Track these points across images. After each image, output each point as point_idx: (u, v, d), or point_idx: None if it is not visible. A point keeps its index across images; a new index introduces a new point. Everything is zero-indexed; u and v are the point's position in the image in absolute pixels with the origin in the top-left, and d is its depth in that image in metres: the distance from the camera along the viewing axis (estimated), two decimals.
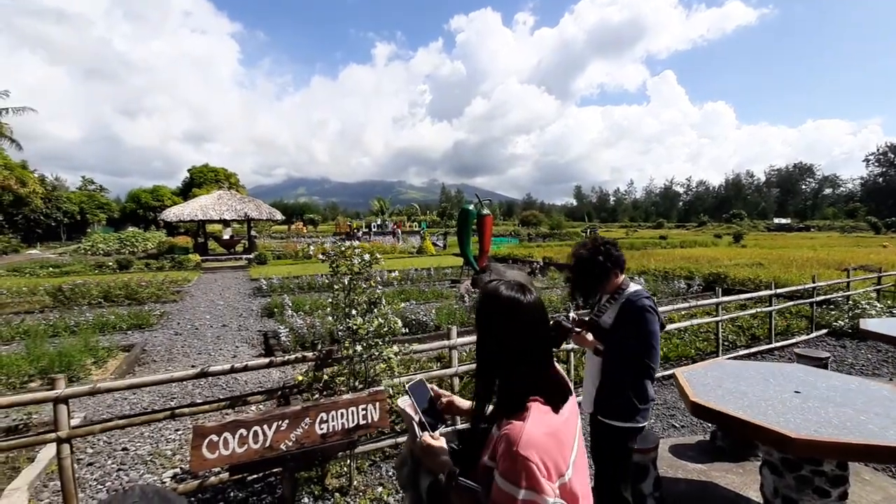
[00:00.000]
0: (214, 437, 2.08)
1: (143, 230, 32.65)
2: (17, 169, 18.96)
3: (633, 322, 2.21)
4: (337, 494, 3.38)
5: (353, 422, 2.36)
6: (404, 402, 1.32)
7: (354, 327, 2.92)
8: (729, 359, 4.89)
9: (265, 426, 2.17)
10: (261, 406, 4.38)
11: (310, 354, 3.45)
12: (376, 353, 3.03)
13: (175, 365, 6.74)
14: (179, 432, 4.46)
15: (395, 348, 3.21)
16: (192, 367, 6.71)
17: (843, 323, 7.50)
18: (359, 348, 2.94)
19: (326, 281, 13.41)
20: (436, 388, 1.39)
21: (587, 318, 2.41)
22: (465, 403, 1.38)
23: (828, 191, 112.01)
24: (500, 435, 1.01)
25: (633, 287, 2.34)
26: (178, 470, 3.78)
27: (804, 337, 7.26)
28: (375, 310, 3.37)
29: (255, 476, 3.50)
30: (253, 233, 24.26)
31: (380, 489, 3.44)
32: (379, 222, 44.70)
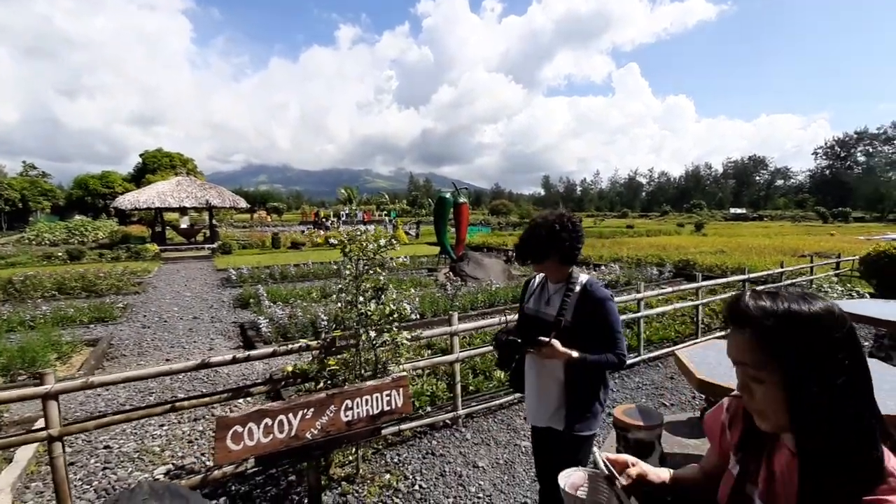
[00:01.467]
0: (239, 428, 1.97)
1: (91, 219, 30.54)
2: None
3: (597, 315, 1.94)
4: (344, 483, 3.31)
5: (377, 408, 2.30)
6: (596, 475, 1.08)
7: (368, 313, 2.83)
8: (716, 338, 5.12)
9: (290, 415, 2.07)
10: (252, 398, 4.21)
11: (314, 342, 3.33)
12: (389, 339, 2.96)
13: (147, 359, 6.39)
14: (164, 428, 4.24)
15: (406, 333, 3.15)
16: (167, 360, 6.38)
17: None
18: (372, 334, 2.85)
19: (300, 271, 13.05)
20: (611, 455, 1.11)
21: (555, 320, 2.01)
22: (664, 473, 1.12)
23: (779, 182, 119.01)
24: None
25: (584, 276, 2.06)
26: (170, 466, 3.59)
27: None
28: (383, 296, 3.29)
29: (256, 468, 3.37)
30: (213, 221, 23.19)
31: (387, 476, 3.40)
32: (347, 211, 43.83)
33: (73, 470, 3.53)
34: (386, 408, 2.32)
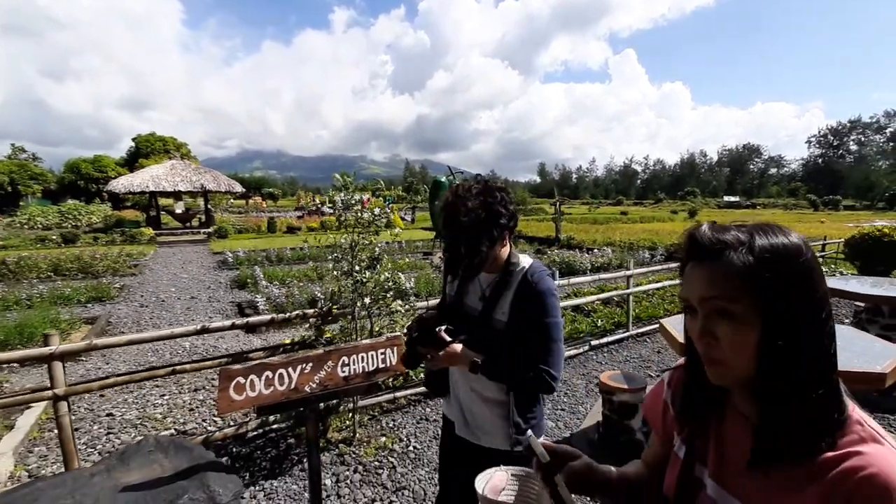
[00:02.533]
0: (241, 380, 2.07)
1: (84, 203, 30.25)
2: None
3: (533, 312, 1.43)
4: (342, 445, 3.45)
5: (373, 365, 2.40)
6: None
7: (364, 280, 2.94)
8: None
9: (290, 369, 2.18)
10: None
11: (311, 311, 3.44)
12: (384, 306, 3.07)
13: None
14: (165, 398, 4.35)
15: (400, 301, 3.26)
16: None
17: None
18: (367, 300, 2.96)
19: (296, 254, 13.11)
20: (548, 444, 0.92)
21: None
22: (610, 471, 0.94)
23: (773, 171, 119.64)
24: (843, 470, 0.61)
25: (526, 259, 1.52)
26: (172, 431, 3.72)
27: None
28: (378, 265, 3.39)
29: (256, 432, 3.50)
30: (209, 206, 23.10)
31: (383, 439, 3.54)
32: (344, 197, 43.64)
33: (78, 435, 3.64)
34: (381, 365, 2.43)
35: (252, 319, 3.20)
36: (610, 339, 5.69)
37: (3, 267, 9.67)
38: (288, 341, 3.63)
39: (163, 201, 25.66)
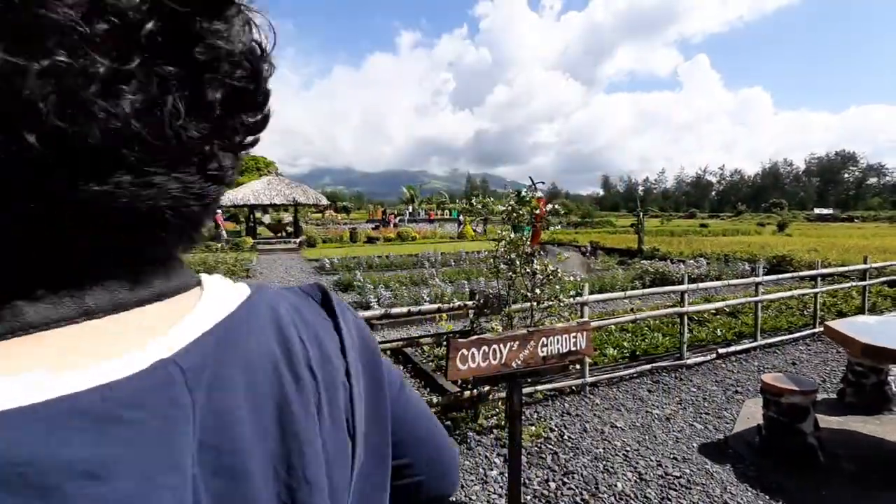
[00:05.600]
0: (465, 351, 2.37)
1: None
2: None
3: None
4: (496, 430, 3.69)
5: (566, 348, 2.62)
6: None
7: (535, 270, 3.21)
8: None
9: (500, 345, 2.45)
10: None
11: (470, 303, 3.75)
12: (553, 306, 3.33)
13: None
14: None
15: (562, 296, 3.49)
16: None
17: None
18: (538, 291, 3.21)
19: (383, 262, 13.83)
20: None
21: None
22: None
23: (872, 180, 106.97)
24: None
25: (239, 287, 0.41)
26: None
27: None
28: (535, 261, 3.63)
29: None
30: (297, 217, 24.98)
31: (533, 427, 3.73)
32: (411, 210, 45.15)
33: None
34: (573, 348, 2.64)
35: (424, 307, 3.56)
36: (736, 348, 5.50)
37: None
38: (450, 327, 3.95)
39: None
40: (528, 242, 3.70)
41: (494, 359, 2.46)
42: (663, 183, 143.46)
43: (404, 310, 3.53)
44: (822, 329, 6.35)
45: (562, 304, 3.46)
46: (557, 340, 2.62)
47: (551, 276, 3.36)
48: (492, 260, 3.64)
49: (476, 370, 2.42)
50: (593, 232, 29.49)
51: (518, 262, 3.53)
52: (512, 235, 3.51)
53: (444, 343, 4.12)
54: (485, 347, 2.44)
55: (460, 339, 2.40)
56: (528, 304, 3.52)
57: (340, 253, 16.72)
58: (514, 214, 3.59)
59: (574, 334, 2.67)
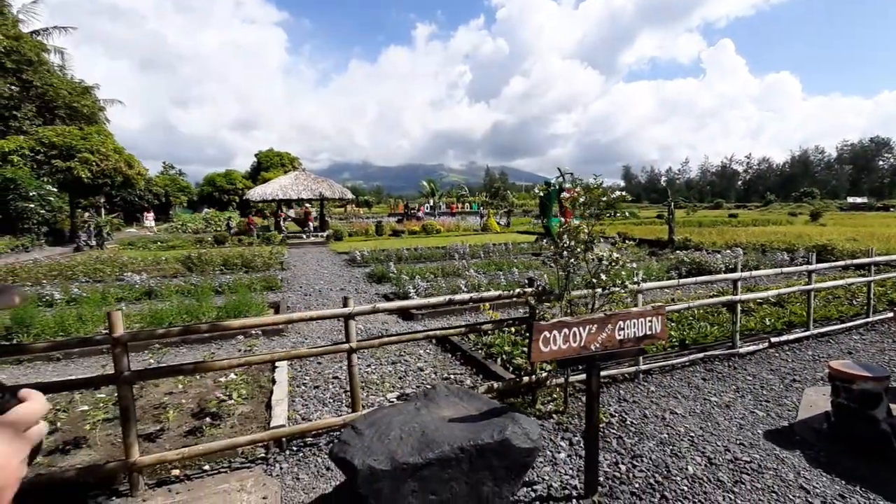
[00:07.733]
0: (547, 334, 2.44)
1: (217, 210, 34.86)
2: (124, 153, 20.80)
3: None
4: (555, 416, 3.75)
5: (641, 331, 2.66)
6: None
7: (601, 257, 3.24)
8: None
9: (580, 328, 2.51)
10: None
11: (529, 290, 3.80)
12: (616, 292, 3.38)
13: None
14: (371, 367, 4.99)
15: (630, 287, 3.53)
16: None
17: None
18: (603, 277, 3.24)
19: (412, 254, 13.97)
20: None
21: None
22: None
23: None
24: None
25: None
26: (397, 393, 4.27)
27: None
28: (594, 247, 3.65)
29: None
30: (323, 211, 25.39)
31: None
32: (431, 203, 45.24)
33: (318, 392, 4.35)
34: (648, 332, 2.68)
35: (485, 294, 3.62)
36: (788, 337, 5.41)
37: (189, 261, 11.56)
38: (497, 316, 4.02)
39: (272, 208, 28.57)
40: (588, 230, 3.72)
41: (574, 341, 2.52)
42: (687, 173, 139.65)
43: (467, 296, 3.61)
44: (877, 318, 6.20)
45: (626, 291, 3.49)
46: (634, 324, 2.65)
47: (614, 263, 3.38)
48: (550, 248, 3.67)
49: (557, 352, 2.48)
50: (617, 222, 28.99)
51: (580, 249, 3.56)
52: (575, 223, 3.54)
53: (505, 329, 4.19)
54: (565, 330, 2.49)
55: (542, 322, 2.46)
56: (589, 290, 3.55)
57: (368, 246, 16.93)
58: (582, 202, 3.60)
59: (650, 318, 2.70)
